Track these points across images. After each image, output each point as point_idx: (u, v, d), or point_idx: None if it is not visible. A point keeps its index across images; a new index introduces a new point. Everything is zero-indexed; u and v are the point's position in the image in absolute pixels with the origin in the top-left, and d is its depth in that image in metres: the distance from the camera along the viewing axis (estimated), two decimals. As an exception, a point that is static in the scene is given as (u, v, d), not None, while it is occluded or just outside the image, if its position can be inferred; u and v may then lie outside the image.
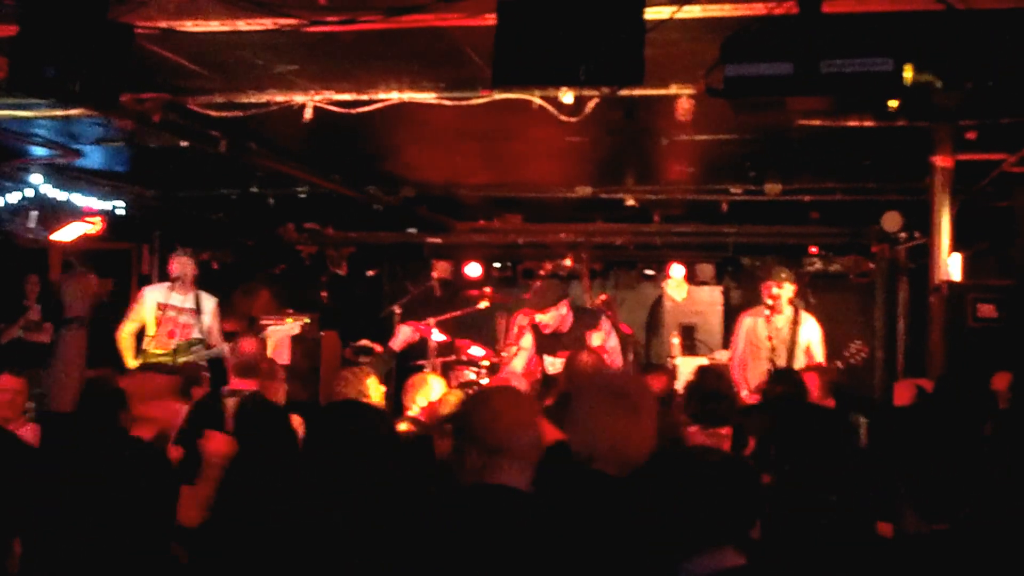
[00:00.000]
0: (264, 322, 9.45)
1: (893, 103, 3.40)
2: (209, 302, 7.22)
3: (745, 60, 3.49)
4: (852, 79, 3.36)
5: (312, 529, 2.56)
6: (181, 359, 6.78)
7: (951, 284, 6.00)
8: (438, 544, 2.36)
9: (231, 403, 4.63)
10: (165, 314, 7.03)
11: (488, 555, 2.31)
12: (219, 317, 7.32)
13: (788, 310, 6.80)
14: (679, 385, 8.33)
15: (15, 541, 3.05)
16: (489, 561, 2.29)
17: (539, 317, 6.20)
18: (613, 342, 6.29)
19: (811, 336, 6.81)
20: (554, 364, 6.14)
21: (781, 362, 6.69)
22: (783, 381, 4.93)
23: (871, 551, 2.64)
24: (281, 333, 8.72)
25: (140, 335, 7.15)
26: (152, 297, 7.19)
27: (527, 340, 6.36)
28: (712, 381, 4.62)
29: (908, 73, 3.47)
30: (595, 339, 6.13)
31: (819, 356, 6.75)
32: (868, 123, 5.78)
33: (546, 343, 6.24)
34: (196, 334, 7.07)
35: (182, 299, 7.11)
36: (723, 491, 2.17)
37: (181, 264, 7.18)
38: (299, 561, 2.54)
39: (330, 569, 2.52)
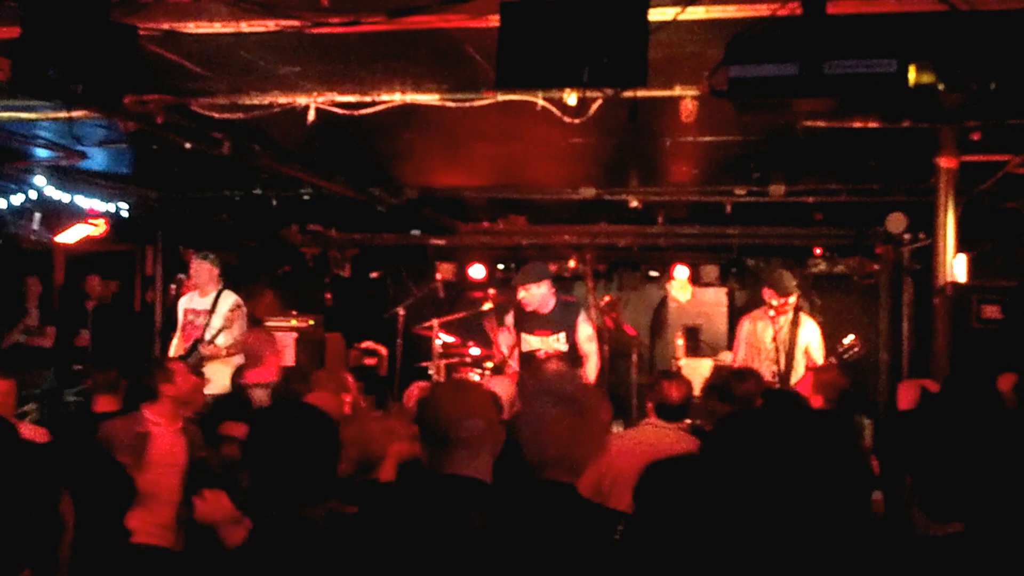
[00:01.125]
0: (268, 323, 9.47)
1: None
2: (226, 301, 7.21)
3: (749, 61, 3.48)
4: (856, 80, 3.35)
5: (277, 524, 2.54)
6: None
7: (955, 285, 5.99)
8: (386, 534, 2.41)
9: (256, 395, 4.60)
10: (187, 319, 7.16)
11: (437, 544, 2.35)
12: (238, 316, 7.15)
13: (790, 312, 6.84)
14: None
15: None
16: (438, 549, 2.33)
17: (521, 293, 6.42)
18: (590, 332, 6.54)
19: (810, 337, 6.86)
20: (528, 342, 6.35)
21: (783, 363, 6.72)
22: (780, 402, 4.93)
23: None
24: (285, 334, 8.75)
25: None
26: (183, 305, 7.38)
27: (510, 317, 6.45)
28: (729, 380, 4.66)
29: (912, 74, 3.46)
30: (583, 329, 6.28)
31: (818, 357, 6.78)
32: (873, 124, 5.76)
33: (525, 321, 6.43)
34: (204, 335, 7.07)
35: (202, 302, 7.19)
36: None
37: (194, 267, 7.23)
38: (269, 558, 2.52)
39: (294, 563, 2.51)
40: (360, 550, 2.42)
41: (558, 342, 6.41)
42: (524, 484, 2.56)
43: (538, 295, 6.39)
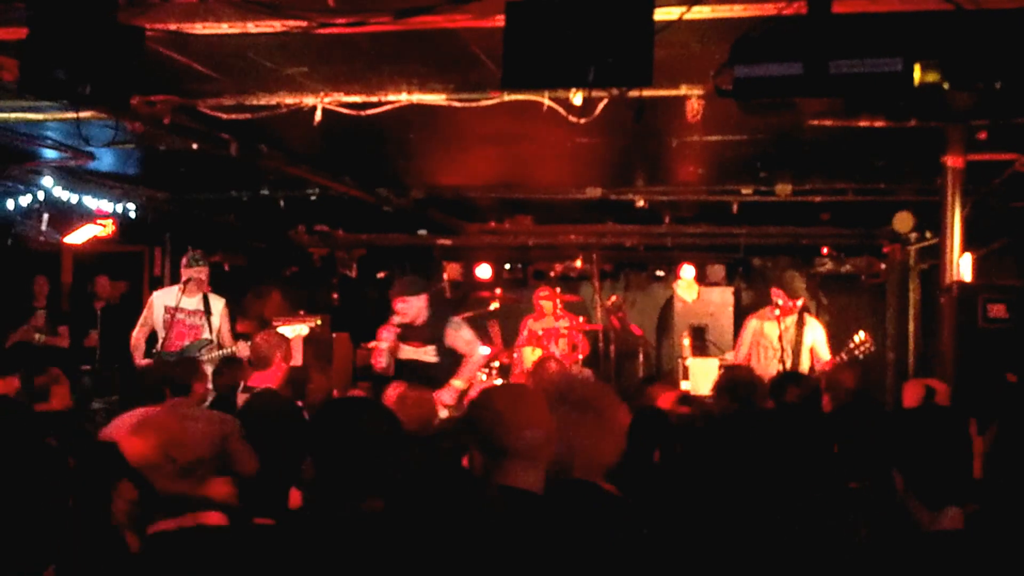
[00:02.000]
0: (275, 324, 9.48)
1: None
2: (218, 303, 7.25)
3: (754, 60, 3.48)
4: (861, 79, 3.35)
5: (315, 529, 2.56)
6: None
7: (962, 285, 5.97)
8: (443, 546, 2.36)
9: (241, 399, 4.65)
10: (174, 318, 7.05)
11: (494, 558, 2.31)
12: (229, 317, 7.35)
13: (796, 312, 6.88)
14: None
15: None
16: (495, 563, 2.29)
17: (399, 304, 6.57)
18: (467, 335, 6.65)
19: (815, 337, 6.89)
20: (405, 351, 6.52)
21: (788, 362, 6.74)
22: (796, 383, 4.93)
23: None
24: (292, 335, 8.75)
25: (153, 339, 7.19)
26: (160, 301, 7.24)
27: (391, 333, 6.66)
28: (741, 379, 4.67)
29: (918, 73, 3.45)
30: (456, 337, 6.54)
31: (824, 356, 6.80)
32: (879, 124, 5.76)
33: (404, 331, 6.62)
34: (206, 335, 7.10)
35: (191, 301, 7.14)
36: None
37: (191, 268, 7.21)
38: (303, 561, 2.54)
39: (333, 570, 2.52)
40: (412, 549, 2.39)
41: (427, 355, 6.52)
42: (552, 486, 2.56)
43: (415, 307, 6.54)
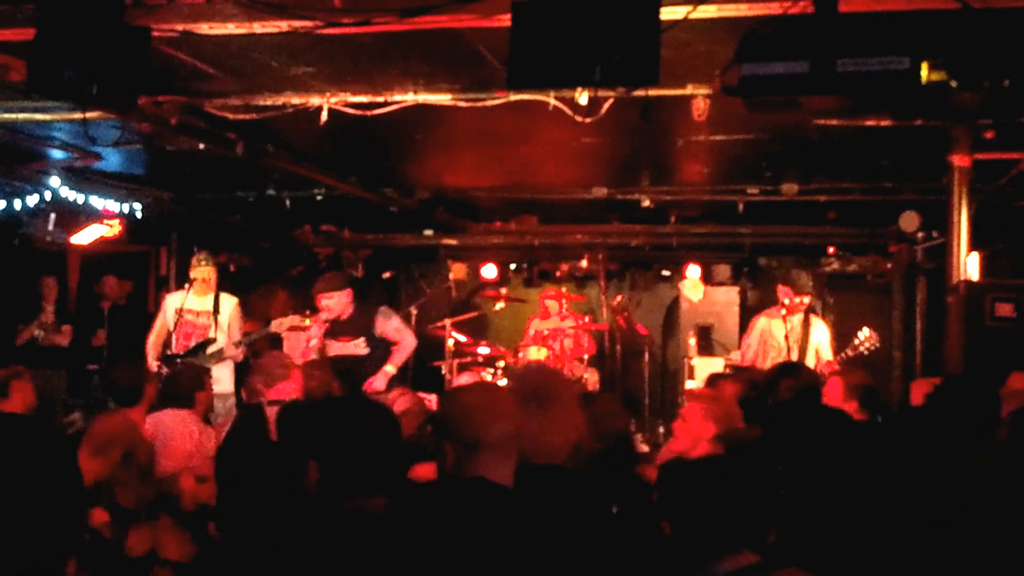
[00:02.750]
0: (280, 323, 9.49)
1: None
2: (229, 303, 7.25)
3: (761, 59, 3.48)
4: (868, 78, 3.34)
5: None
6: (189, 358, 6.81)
7: (969, 283, 5.96)
8: (412, 539, 2.41)
9: (271, 412, 4.61)
10: (182, 318, 7.09)
11: (464, 549, 2.35)
12: (241, 317, 7.33)
13: (802, 312, 6.88)
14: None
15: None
16: (465, 555, 2.33)
17: (323, 301, 6.66)
18: (396, 323, 6.81)
19: (821, 338, 6.90)
20: (333, 347, 6.63)
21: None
22: (791, 374, 4.89)
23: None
24: (299, 334, 8.76)
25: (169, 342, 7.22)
26: (171, 303, 7.29)
27: (314, 329, 6.80)
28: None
29: (925, 72, 3.44)
30: (386, 325, 6.69)
31: (828, 357, 6.80)
32: (885, 123, 5.74)
33: (331, 327, 6.73)
34: (212, 335, 7.10)
35: (199, 302, 7.16)
36: (739, 502, 2.23)
37: (197, 268, 7.23)
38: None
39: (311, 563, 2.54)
40: (398, 548, 2.43)
41: (357, 347, 6.61)
42: (518, 470, 2.61)
43: (339, 303, 6.66)
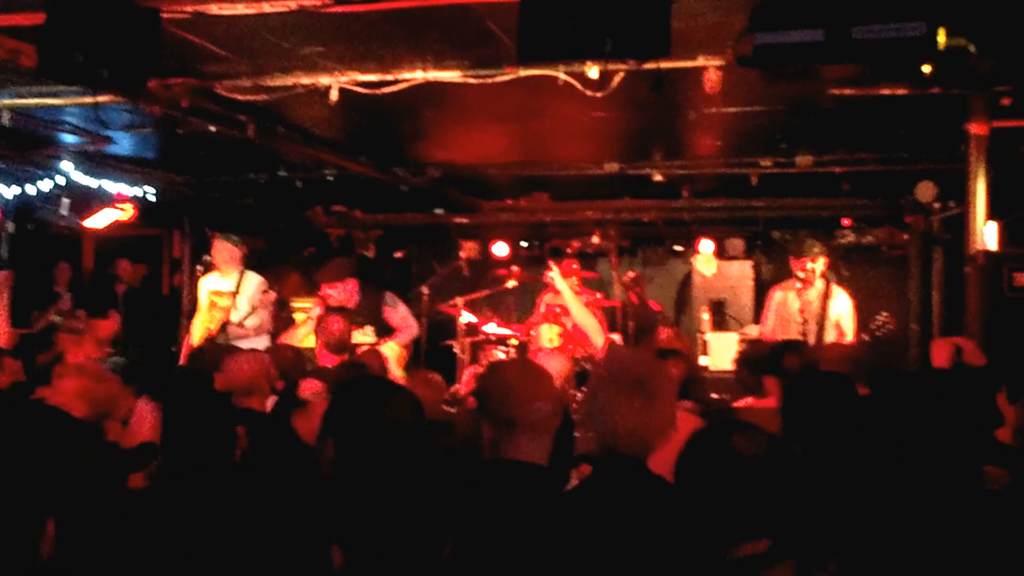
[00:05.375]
0: (294, 305, 9.53)
1: (927, 68, 3.32)
2: (251, 283, 7.27)
3: (775, 28, 3.44)
4: (885, 45, 3.29)
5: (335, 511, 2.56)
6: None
7: (987, 253, 5.91)
8: (453, 521, 2.39)
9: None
10: (211, 299, 7.18)
11: (503, 532, 2.33)
12: (263, 295, 7.27)
13: (820, 283, 6.78)
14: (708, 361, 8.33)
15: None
16: (504, 536, 2.32)
17: (327, 290, 6.64)
18: (403, 311, 6.83)
19: (841, 310, 6.79)
20: None
21: (812, 336, 6.66)
22: (794, 352, 4.89)
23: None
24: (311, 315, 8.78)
25: None
26: (204, 285, 7.37)
27: (316, 311, 6.66)
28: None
29: (942, 37, 3.39)
30: (392, 313, 6.69)
31: (849, 330, 6.72)
32: (901, 91, 5.68)
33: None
34: (232, 317, 7.13)
35: (224, 282, 7.22)
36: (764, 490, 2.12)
37: (216, 247, 7.27)
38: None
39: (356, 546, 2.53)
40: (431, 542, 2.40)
41: (365, 335, 6.55)
42: (597, 458, 2.57)
43: (343, 292, 6.64)
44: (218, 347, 5.67)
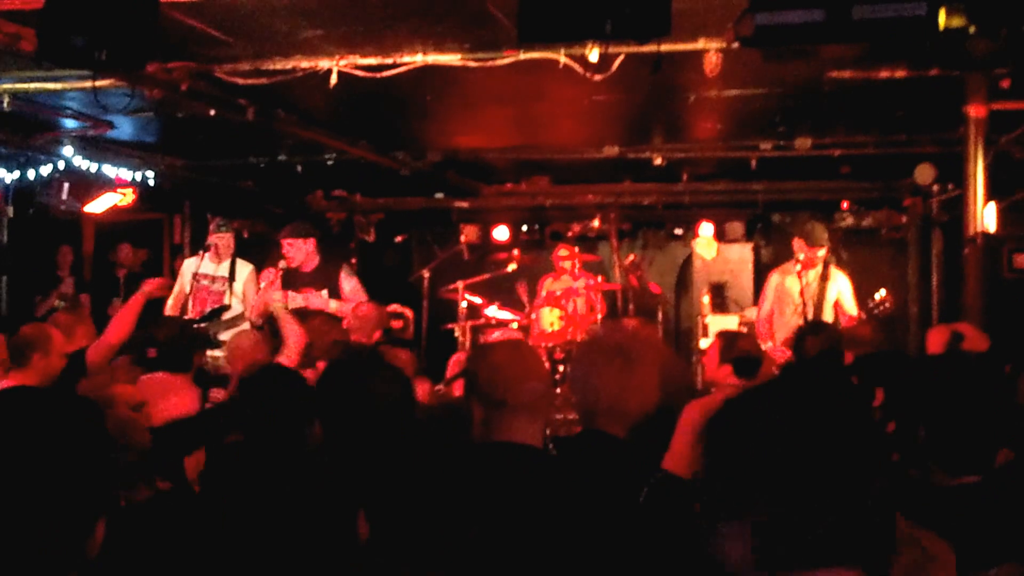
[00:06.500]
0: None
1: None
2: (244, 269, 7.28)
3: (775, 8, 3.44)
4: (885, 24, 3.30)
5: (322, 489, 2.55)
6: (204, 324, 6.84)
7: (986, 235, 5.92)
8: (444, 503, 2.36)
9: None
10: (198, 283, 7.13)
11: (495, 513, 2.31)
12: (256, 283, 7.34)
13: (819, 265, 6.81)
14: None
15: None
16: (495, 518, 2.29)
17: (287, 245, 6.69)
18: (354, 284, 6.81)
19: (840, 289, 6.81)
20: (295, 299, 6.55)
21: (810, 317, 6.68)
22: (818, 333, 4.89)
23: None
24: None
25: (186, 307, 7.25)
26: (188, 268, 7.33)
27: (274, 275, 6.72)
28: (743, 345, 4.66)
29: (942, 18, 3.40)
30: (346, 283, 6.70)
31: (850, 310, 6.74)
32: (900, 74, 5.67)
33: (291, 278, 6.69)
34: (228, 301, 7.14)
35: (215, 267, 7.20)
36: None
37: (215, 234, 7.26)
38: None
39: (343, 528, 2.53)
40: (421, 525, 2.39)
41: (320, 299, 6.58)
42: (574, 434, 2.56)
43: (301, 251, 6.67)
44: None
